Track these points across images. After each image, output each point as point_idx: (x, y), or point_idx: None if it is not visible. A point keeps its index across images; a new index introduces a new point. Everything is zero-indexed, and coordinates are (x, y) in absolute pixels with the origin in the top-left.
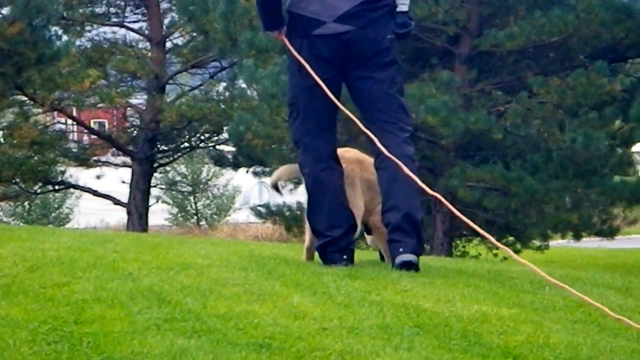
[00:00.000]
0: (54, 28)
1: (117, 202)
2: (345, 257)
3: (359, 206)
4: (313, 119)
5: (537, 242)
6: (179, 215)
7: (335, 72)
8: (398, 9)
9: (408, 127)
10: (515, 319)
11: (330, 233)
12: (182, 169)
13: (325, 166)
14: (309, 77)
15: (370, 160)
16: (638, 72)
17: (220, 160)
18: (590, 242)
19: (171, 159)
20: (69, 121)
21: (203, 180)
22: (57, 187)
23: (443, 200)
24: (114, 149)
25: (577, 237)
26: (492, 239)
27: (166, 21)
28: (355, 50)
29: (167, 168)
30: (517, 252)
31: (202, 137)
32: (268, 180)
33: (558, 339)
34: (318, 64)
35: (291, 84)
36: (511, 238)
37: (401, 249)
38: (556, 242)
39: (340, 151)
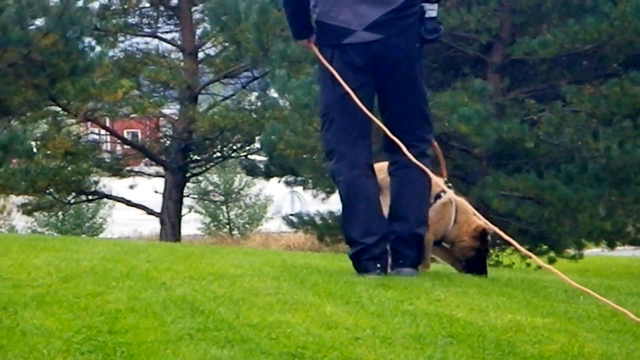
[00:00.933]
0: (87, 39)
1: (150, 212)
2: (379, 265)
3: None
4: (347, 127)
5: (571, 251)
6: (212, 224)
7: (368, 80)
8: (427, 15)
9: (428, 135)
10: (550, 329)
11: (365, 240)
12: (215, 178)
13: (360, 173)
14: (340, 86)
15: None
16: None
17: (252, 170)
18: (625, 251)
19: (203, 168)
20: (102, 131)
21: (235, 190)
22: (90, 197)
23: (469, 206)
24: (146, 159)
25: (611, 245)
26: (515, 243)
27: (198, 31)
28: (384, 59)
29: (200, 178)
30: (551, 261)
31: (234, 147)
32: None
33: (592, 348)
34: (351, 73)
35: (323, 94)
36: (545, 247)
37: (400, 261)
38: (590, 251)
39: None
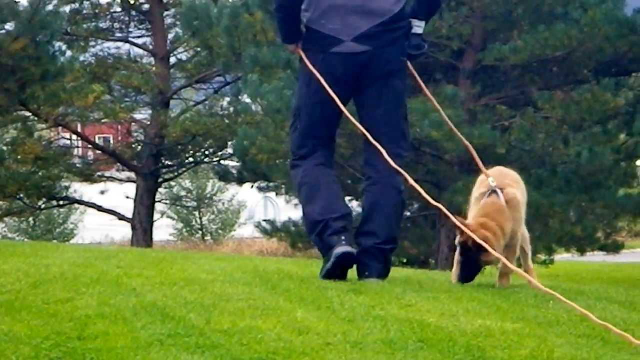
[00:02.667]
0: (58, 44)
1: (121, 217)
2: (343, 238)
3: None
4: (312, 134)
5: (542, 257)
6: (184, 230)
7: (344, 90)
8: (413, 31)
9: (404, 153)
10: (519, 334)
11: (325, 217)
12: (187, 184)
13: (319, 162)
14: (316, 94)
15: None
16: None
17: (225, 176)
18: (595, 257)
19: (176, 174)
20: (74, 137)
21: (208, 196)
22: (61, 203)
23: (446, 211)
24: (118, 164)
25: (582, 251)
26: (489, 248)
27: (170, 36)
28: (369, 70)
29: (172, 183)
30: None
31: (207, 152)
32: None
33: (562, 353)
34: (330, 82)
35: (298, 95)
36: None
37: (367, 273)
38: (561, 257)
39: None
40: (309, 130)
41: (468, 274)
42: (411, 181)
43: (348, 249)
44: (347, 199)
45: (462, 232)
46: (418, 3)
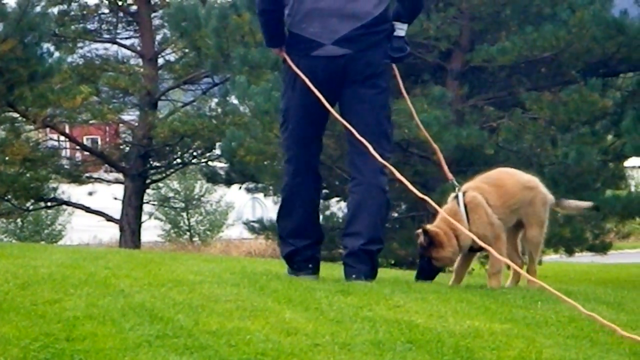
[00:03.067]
0: (46, 45)
1: (109, 218)
2: (310, 265)
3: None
4: (298, 135)
5: None
6: (172, 231)
7: (327, 92)
8: (395, 34)
9: (387, 154)
10: (508, 334)
11: (294, 242)
12: (175, 185)
13: (301, 181)
14: (301, 96)
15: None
16: (629, 86)
17: (212, 177)
18: (583, 257)
19: (164, 175)
20: (61, 138)
21: (196, 197)
22: (49, 204)
23: (432, 202)
24: (106, 165)
25: (570, 252)
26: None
27: (158, 37)
28: (351, 73)
29: (160, 184)
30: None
31: (195, 153)
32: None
33: (550, 354)
34: (314, 84)
35: (284, 98)
36: None
37: (354, 276)
38: (549, 257)
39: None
40: (296, 131)
41: (426, 273)
42: (397, 174)
43: (313, 277)
44: (335, 199)
45: (418, 233)
46: (401, 5)
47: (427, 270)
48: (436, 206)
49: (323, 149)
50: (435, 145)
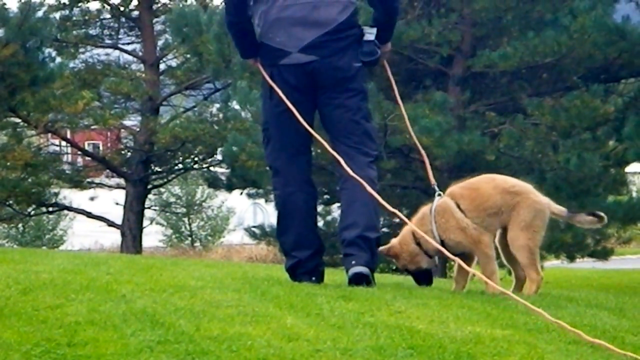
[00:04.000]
0: (47, 50)
1: (111, 223)
2: (313, 278)
3: None
4: (284, 144)
5: None
6: (173, 236)
7: (304, 98)
8: (365, 38)
9: (373, 152)
10: (509, 340)
11: (297, 254)
12: (176, 190)
13: (294, 189)
14: (279, 103)
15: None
16: (631, 92)
17: (214, 182)
18: (584, 263)
19: (165, 180)
20: (63, 143)
21: (197, 202)
22: (50, 209)
23: (402, 217)
24: (107, 170)
25: (571, 258)
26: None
27: (160, 43)
28: (320, 79)
29: (161, 189)
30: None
31: (196, 159)
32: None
33: None
34: (287, 91)
35: (263, 110)
36: None
37: (353, 262)
38: (550, 263)
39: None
40: (281, 140)
41: (416, 279)
42: (369, 189)
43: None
44: (336, 205)
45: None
46: (375, 11)
47: (415, 276)
48: (404, 218)
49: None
50: (422, 150)
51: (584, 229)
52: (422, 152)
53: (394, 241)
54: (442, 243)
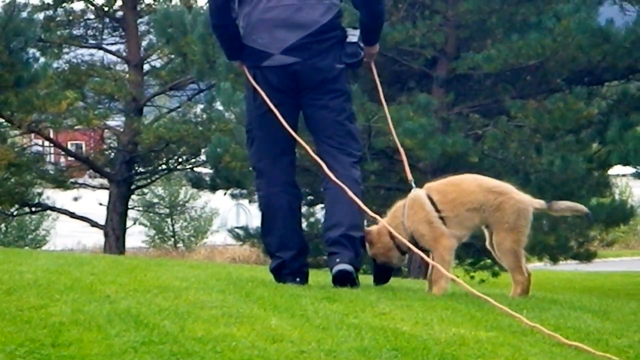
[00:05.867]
0: (31, 50)
1: (94, 224)
2: (298, 279)
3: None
4: (267, 145)
5: None
6: (156, 237)
7: (287, 99)
8: (348, 40)
9: (356, 152)
10: (494, 342)
11: (281, 255)
12: (160, 191)
13: (278, 190)
14: (262, 105)
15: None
16: (614, 95)
17: (197, 183)
18: (567, 266)
19: (148, 181)
20: (46, 143)
21: (180, 203)
22: (33, 209)
23: (383, 222)
24: (91, 170)
25: (554, 260)
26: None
27: (144, 43)
28: (303, 80)
29: (145, 190)
30: (494, 274)
31: (180, 159)
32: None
33: None
34: (270, 92)
35: (247, 111)
36: (489, 261)
37: (338, 260)
38: (533, 265)
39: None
40: (265, 141)
41: (376, 274)
42: (351, 194)
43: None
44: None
45: None
46: (360, 13)
47: (378, 269)
48: (384, 222)
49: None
50: (400, 147)
51: (567, 231)
52: (400, 148)
53: (373, 228)
54: (412, 237)
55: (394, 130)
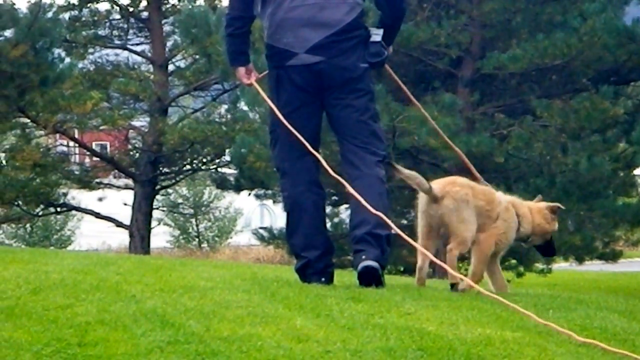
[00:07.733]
0: (57, 50)
1: (119, 224)
2: (323, 279)
3: (471, 229)
4: (291, 145)
5: (539, 266)
6: (181, 237)
7: (312, 99)
8: (372, 39)
9: (381, 151)
10: (519, 342)
11: (306, 254)
12: (184, 191)
13: (303, 189)
14: (286, 105)
15: (481, 188)
16: None
17: (222, 183)
18: (593, 266)
19: (173, 181)
20: (71, 143)
21: (205, 203)
22: (59, 210)
23: (394, 227)
24: (116, 171)
25: (580, 260)
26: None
27: (169, 44)
28: (327, 79)
29: (169, 190)
30: (519, 275)
31: (204, 160)
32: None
33: None
34: (296, 92)
35: (270, 112)
36: (514, 261)
37: (363, 256)
38: (559, 266)
39: (451, 179)
40: (288, 142)
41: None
42: (355, 194)
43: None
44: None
45: None
46: (381, 11)
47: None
48: (398, 230)
49: (331, 154)
50: (456, 148)
51: (593, 231)
52: (458, 150)
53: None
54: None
55: (438, 127)
